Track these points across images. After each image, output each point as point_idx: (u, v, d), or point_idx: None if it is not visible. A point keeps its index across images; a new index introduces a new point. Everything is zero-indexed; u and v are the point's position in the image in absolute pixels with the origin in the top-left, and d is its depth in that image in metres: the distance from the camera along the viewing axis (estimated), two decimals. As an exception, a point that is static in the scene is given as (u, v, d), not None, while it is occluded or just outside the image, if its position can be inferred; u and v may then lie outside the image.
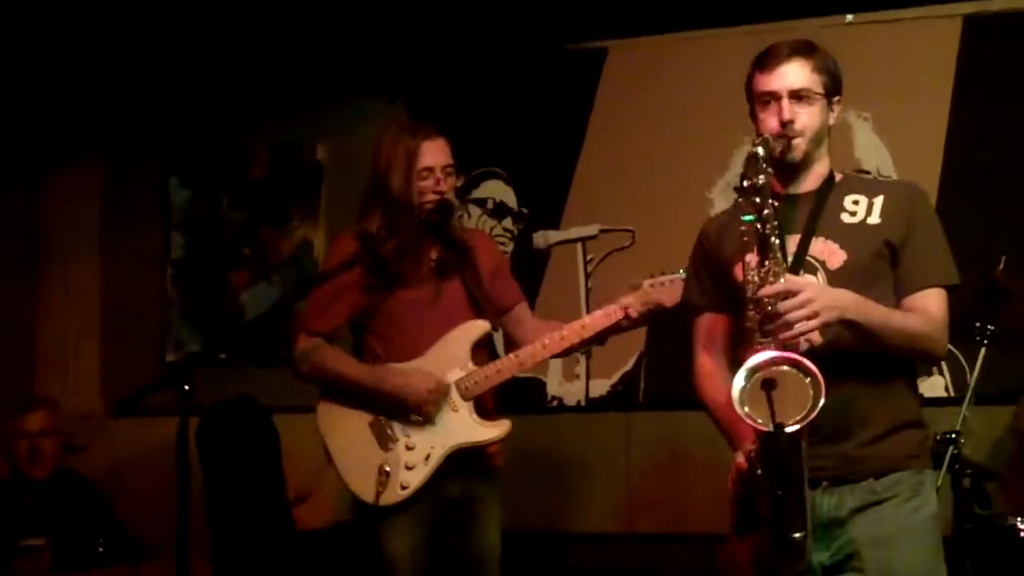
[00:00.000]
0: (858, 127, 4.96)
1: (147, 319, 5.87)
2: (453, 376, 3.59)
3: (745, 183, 2.63)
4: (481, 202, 5.45)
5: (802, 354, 2.55)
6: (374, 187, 3.65)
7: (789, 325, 2.56)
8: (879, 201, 2.80)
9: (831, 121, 2.85)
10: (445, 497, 3.56)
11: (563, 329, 3.64)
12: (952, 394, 4.59)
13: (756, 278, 2.62)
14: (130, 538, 4.31)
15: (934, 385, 4.68)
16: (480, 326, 3.66)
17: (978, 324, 3.58)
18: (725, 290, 2.88)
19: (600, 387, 5.19)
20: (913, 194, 2.87)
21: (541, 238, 5.35)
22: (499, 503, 3.70)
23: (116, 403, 3.61)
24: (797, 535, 2.53)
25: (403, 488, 3.50)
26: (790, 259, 2.75)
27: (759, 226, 2.61)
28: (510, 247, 5.37)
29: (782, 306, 2.55)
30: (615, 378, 5.16)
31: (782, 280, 2.59)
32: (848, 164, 4.90)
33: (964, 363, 4.51)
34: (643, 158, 5.22)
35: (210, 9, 5.24)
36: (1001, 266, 3.55)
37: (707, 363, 2.94)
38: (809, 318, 2.55)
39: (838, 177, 2.87)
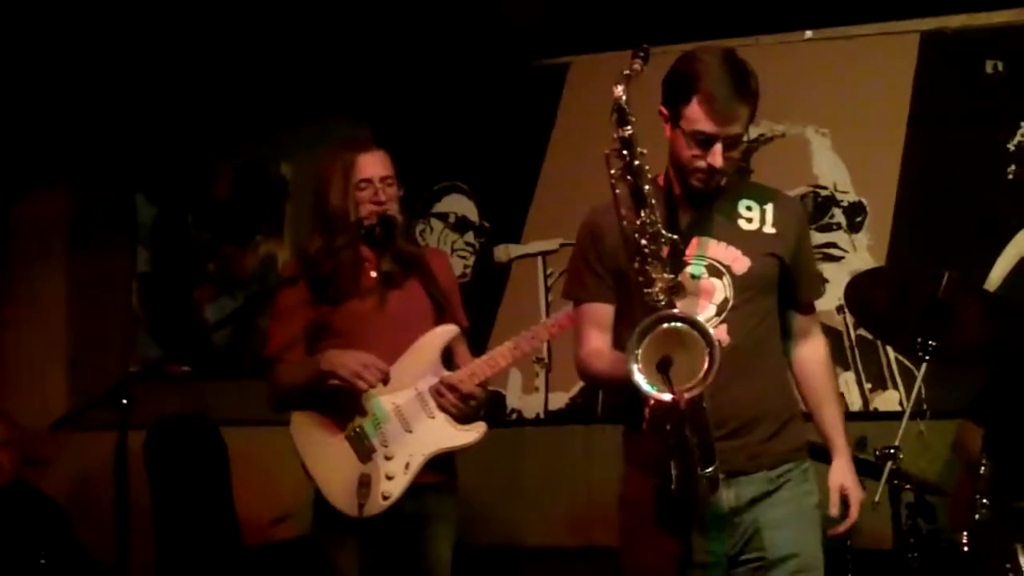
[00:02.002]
0: (816, 143, 5.00)
1: (113, 334, 5.90)
2: (426, 383, 3.58)
3: (615, 135, 2.69)
4: (443, 216, 5.48)
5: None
6: (316, 206, 3.66)
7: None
8: (770, 209, 2.88)
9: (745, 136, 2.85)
10: (399, 512, 3.53)
11: (533, 328, 3.66)
12: (902, 407, 4.61)
13: (638, 234, 2.63)
14: (80, 553, 4.31)
15: (888, 399, 4.73)
16: (449, 331, 3.65)
17: (920, 340, 3.59)
18: (615, 278, 2.86)
19: (559, 400, 5.22)
20: (798, 208, 3.05)
21: (502, 252, 5.38)
22: (454, 520, 3.68)
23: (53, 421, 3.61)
24: (709, 470, 2.62)
25: (384, 499, 3.48)
26: (693, 262, 2.79)
27: (629, 176, 2.66)
28: (471, 261, 5.41)
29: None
30: (574, 391, 5.18)
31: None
32: (806, 180, 4.96)
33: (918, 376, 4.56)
34: (604, 173, 5.21)
35: (177, 29, 5.27)
36: (944, 283, 3.56)
37: (596, 344, 2.90)
38: None
39: (724, 182, 2.85)
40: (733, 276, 2.79)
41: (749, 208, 2.87)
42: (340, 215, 3.59)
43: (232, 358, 5.56)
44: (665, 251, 2.64)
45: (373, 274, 3.65)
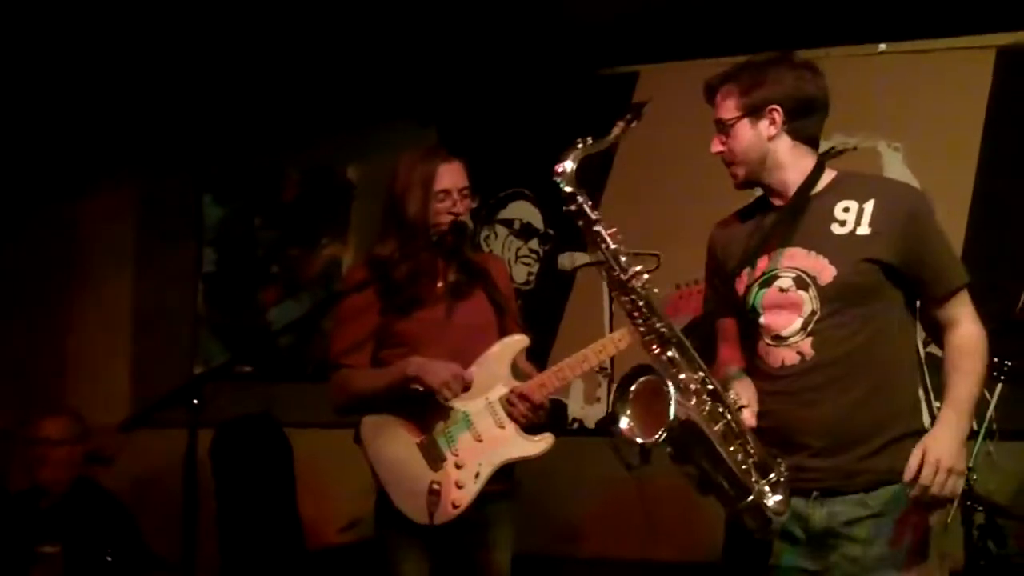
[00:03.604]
0: (888, 157, 4.94)
1: (177, 334, 5.95)
2: (496, 393, 3.59)
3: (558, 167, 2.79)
4: (508, 223, 5.48)
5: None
6: (389, 212, 3.65)
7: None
8: (870, 207, 2.77)
9: (770, 132, 2.82)
10: (462, 518, 3.52)
11: (601, 341, 3.63)
12: (975, 427, 4.53)
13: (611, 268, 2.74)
14: (145, 550, 4.33)
15: (957, 418, 4.64)
16: (520, 341, 3.66)
17: (995, 360, 3.53)
18: (730, 295, 2.91)
19: (622, 411, 5.17)
20: (906, 199, 2.83)
21: (567, 260, 5.36)
22: (512, 527, 3.68)
23: (122, 420, 3.62)
24: (747, 501, 2.64)
25: (454, 507, 3.48)
26: (760, 274, 2.80)
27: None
28: (535, 268, 5.39)
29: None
30: (637, 402, 5.14)
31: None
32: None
33: (988, 396, 4.49)
34: (671, 182, 5.22)
35: (248, 33, 5.30)
36: (1022, 303, 3.51)
37: (725, 354, 3.01)
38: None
39: (829, 179, 2.84)
40: (818, 287, 2.74)
41: (846, 209, 2.78)
42: (418, 224, 3.58)
43: (295, 360, 5.58)
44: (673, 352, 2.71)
45: (440, 284, 3.65)
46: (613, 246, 2.76)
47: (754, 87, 2.81)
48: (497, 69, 5.42)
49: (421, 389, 3.49)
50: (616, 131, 2.83)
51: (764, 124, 2.81)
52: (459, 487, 3.49)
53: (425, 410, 3.55)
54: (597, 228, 2.78)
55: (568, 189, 2.78)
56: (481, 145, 5.29)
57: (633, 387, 2.67)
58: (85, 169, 6.09)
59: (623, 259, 2.75)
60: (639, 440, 2.61)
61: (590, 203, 2.81)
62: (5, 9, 4.90)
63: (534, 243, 5.44)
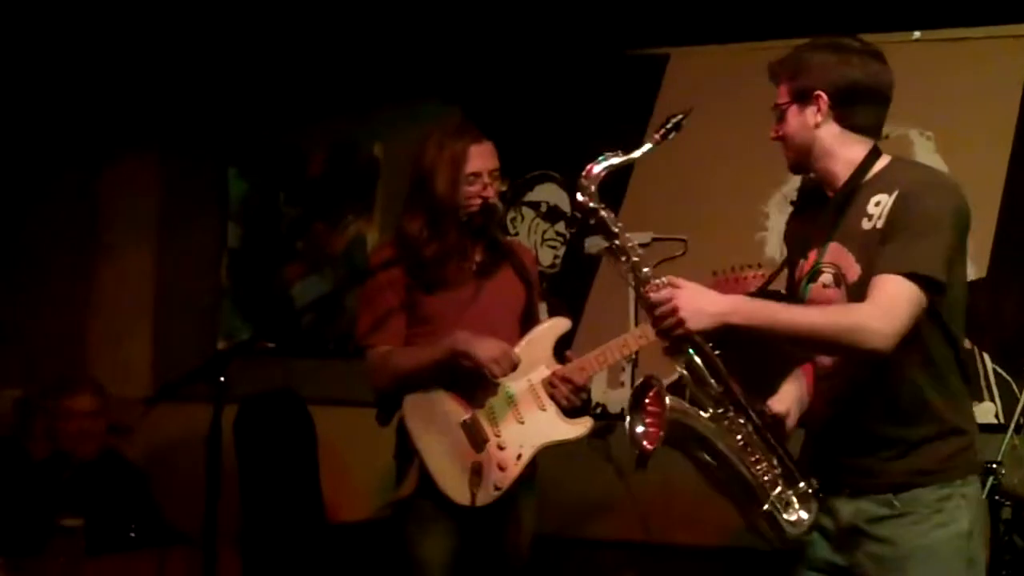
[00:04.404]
0: (920, 145, 4.89)
1: (200, 307, 5.95)
2: (538, 375, 3.59)
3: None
4: (535, 205, 5.44)
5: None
6: (417, 190, 3.62)
7: (664, 333, 2.61)
8: (892, 199, 2.64)
9: (816, 119, 2.74)
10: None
11: (643, 326, 3.67)
12: (1002, 421, 4.50)
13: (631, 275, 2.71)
14: (164, 523, 4.34)
15: (984, 412, 4.60)
16: (564, 324, 3.68)
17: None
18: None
19: (645, 396, 5.15)
20: (917, 195, 2.63)
21: (593, 244, 5.33)
22: (534, 509, 3.70)
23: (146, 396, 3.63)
24: (764, 508, 2.66)
25: (496, 489, 3.49)
26: (809, 268, 2.78)
27: (591, 217, 2.74)
28: (562, 251, 5.37)
29: (656, 313, 2.61)
30: (660, 387, 5.12)
31: (663, 282, 2.65)
32: (908, 183, 4.86)
33: (1016, 390, 4.46)
34: (699, 167, 5.17)
35: (275, 9, 5.29)
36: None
37: None
38: (676, 326, 2.58)
39: (878, 168, 2.74)
40: (847, 285, 2.70)
41: (878, 203, 2.67)
42: (446, 203, 3.56)
43: (317, 337, 5.57)
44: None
45: (468, 264, 3.64)
46: (635, 259, 2.75)
47: (801, 72, 2.75)
48: (524, 48, 5.38)
49: (469, 364, 3.47)
50: (649, 145, 2.81)
51: (811, 111, 2.74)
52: (501, 469, 3.50)
53: (468, 389, 3.55)
54: (619, 242, 2.77)
55: (591, 204, 2.77)
56: (507, 126, 5.25)
57: (647, 397, 2.73)
58: (108, 142, 6.08)
59: (645, 270, 2.72)
60: (639, 448, 2.69)
61: (612, 215, 2.80)
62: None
63: (560, 226, 5.40)
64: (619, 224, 2.79)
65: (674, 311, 2.58)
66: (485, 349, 3.46)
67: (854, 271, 2.68)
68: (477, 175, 3.57)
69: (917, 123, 4.87)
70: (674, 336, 2.63)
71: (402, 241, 3.61)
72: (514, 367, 3.50)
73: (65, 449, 4.40)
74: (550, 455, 3.69)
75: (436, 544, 3.52)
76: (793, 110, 2.76)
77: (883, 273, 2.56)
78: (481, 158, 3.59)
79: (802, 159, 2.79)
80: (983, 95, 4.83)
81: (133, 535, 3.96)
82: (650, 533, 5.08)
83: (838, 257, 2.72)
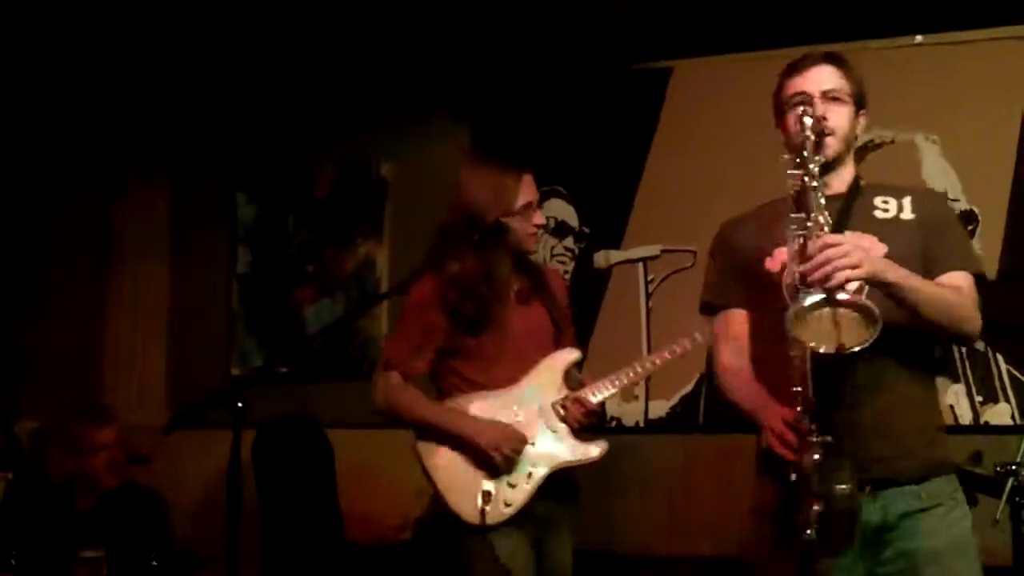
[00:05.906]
0: (926, 149, 4.90)
1: (213, 332, 5.96)
2: (549, 399, 3.60)
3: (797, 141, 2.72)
4: (543, 221, 5.45)
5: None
6: (464, 227, 3.56)
7: (831, 273, 2.54)
8: (907, 201, 2.87)
9: (858, 131, 2.91)
10: (533, 514, 3.54)
11: (656, 353, 3.74)
12: (1018, 422, 4.51)
13: (801, 236, 2.63)
14: (181, 551, 4.33)
15: (1000, 413, 4.61)
16: (572, 354, 3.68)
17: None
18: (748, 285, 2.93)
19: (659, 408, 5.17)
20: (939, 197, 3.06)
21: (602, 257, 5.34)
22: (572, 529, 3.70)
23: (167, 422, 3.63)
24: (844, 487, 2.56)
25: (507, 506, 3.48)
26: None
27: (805, 179, 2.65)
28: (571, 266, 5.38)
29: (826, 253, 2.55)
30: (675, 400, 5.14)
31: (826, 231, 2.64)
32: (915, 187, 4.86)
33: (1032, 391, 4.47)
34: (706, 178, 5.18)
35: (278, 30, 5.31)
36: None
37: (733, 362, 2.96)
38: (852, 267, 2.54)
39: (863, 182, 2.93)
40: None
41: (885, 202, 2.87)
42: (497, 237, 3.54)
43: (330, 360, 5.58)
44: None
45: (516, 286, 3.65)
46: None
47: (861, 85, 2.90)
48: (530, 64, 5.40)
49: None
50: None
51: (861, 122, 2.92)
52: (511, 487, 3.50)
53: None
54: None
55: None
56: (515, 141, 5.27)
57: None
58: (119, 166, 6.11)
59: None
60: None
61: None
62: (46, 5, 4.93)
63: (569, 241, 5.41)
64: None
65: (847, 253, 2.56)
66: (487, 437, 3.49)
67: (879, 250, 2.75)
68: (529, 206, 3.58)
69: (922, 127, 4.89)
70: (842, 279, 2.56)
71: (452, 281, 3.56)
72: (522, 443, 3.52)
73: (89, 480, 4.38)
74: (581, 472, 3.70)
75: (515, 552, 3.52)
76: (851, 108, 2.87)
77: (956, 270, 2.78)
78: (530, 188, 3.60)
79: (842, 154, 2.87)
80: (987, 97, 4.85)
81: (155, 563, 3.94)
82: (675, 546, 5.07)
83: (859, 241, 2.75)
